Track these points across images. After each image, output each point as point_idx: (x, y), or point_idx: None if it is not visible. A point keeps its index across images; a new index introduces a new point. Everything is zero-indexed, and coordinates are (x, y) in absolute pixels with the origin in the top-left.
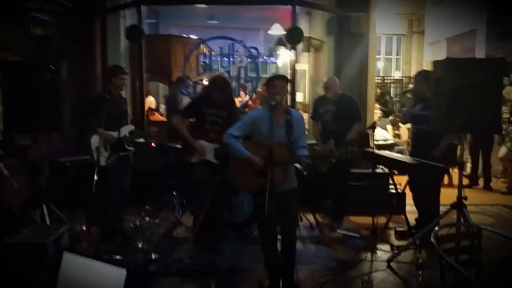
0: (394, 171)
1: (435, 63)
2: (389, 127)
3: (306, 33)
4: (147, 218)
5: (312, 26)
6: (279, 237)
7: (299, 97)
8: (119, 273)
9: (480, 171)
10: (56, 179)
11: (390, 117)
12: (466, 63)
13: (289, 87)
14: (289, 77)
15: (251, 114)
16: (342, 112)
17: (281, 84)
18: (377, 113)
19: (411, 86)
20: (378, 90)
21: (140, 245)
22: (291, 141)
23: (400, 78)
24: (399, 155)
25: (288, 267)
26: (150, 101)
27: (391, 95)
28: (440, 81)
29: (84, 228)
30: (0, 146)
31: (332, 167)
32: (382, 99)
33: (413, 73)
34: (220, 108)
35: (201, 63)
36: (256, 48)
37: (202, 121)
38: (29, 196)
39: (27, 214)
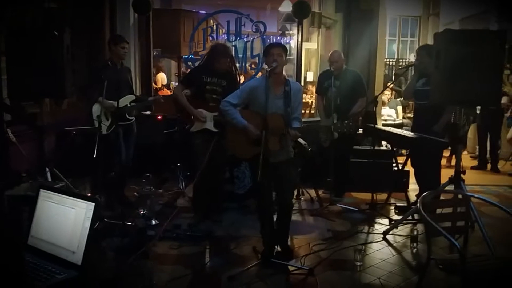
0: (399, 149)
1: (435, 35)
2: (399, 108)
3: (316, 10)
4: (149, 186)
5: (324, 4)
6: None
7: (310, 76)
8: (89, 205)
9: (488, 154)
10: (62, 147)
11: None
12: (466, 35)
13: (295, 61)
14: (297, 54)
15: (249, 83)
16: (346, 86)
17: (277, 51)
18: (387, 93)
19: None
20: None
21: (141, 212)
22: (288, 112)
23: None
24: (400, 129)
25: (282, 234)
26: (162, 78)
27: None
28: (440, 53)
29: (88, 195)
30: (9, 113)
31: (334, 142)
32: (396, 80)
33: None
34: (219, 76)
35: (209, 37)
36: (263, 23)
37: (201, 90)
38: (36, 162)
39: (34, 179)
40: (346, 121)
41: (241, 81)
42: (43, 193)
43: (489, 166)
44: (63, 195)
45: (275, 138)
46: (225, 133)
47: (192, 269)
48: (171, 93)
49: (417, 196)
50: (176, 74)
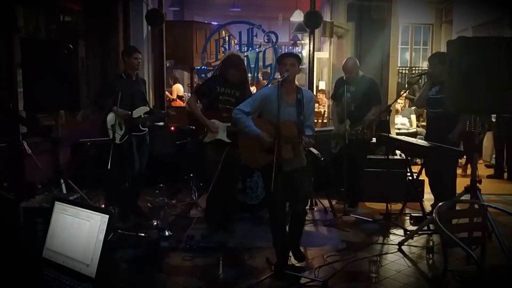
0: (414, 158)
1: (449, 42)
2: (413, 116)
3: (328, 19)
4: (162, 197)
5: (335, 13)
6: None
7: (322, 85)
8: (103, 218)
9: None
10: (76, 159)
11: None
12: (480, 42)
13: (307, 71)
14: (309, 63)
15: (262, 92)
16: (361, 93)
17: (290, 61)
18: (400, 102)
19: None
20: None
21: (155, 223)
22: (300, 120)
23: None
24: (414, 139)
25: (294, 242)
26: (178, 89)
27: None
28: (454, 61)
29: (102, 206)
30: (24, 125)
31: (345, 149)
32: (410, 88)
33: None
34: (233, 87)
35: (221, 48)
36: (274, 33)
37: (215, 100)
38: (51, 174)
39: (49, 190)
40: (359, 128)
41: (253, 91)
42: (58, 205)
43: (505, 175)
44: (78, 207)
45: (288, 146)
46: (237, 142)
47: (206, 280)
48: (184, 104)
49: (432, 206)
50: (189, 85)
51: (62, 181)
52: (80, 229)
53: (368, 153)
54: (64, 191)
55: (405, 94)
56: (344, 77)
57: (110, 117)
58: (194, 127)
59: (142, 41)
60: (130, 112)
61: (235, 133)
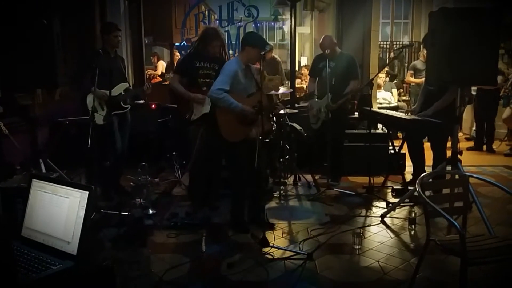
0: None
1: (430, 14)
2: (394, 91)
3: None
4: (145, 176)
5: None
6: None
7: (304, 61)
8: (83, 194)
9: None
10: (55, 138)
11: (395, 81)
12: (461, 13)
13: (289, 46)
14: (291, 38)
15: (231, 67)
16: (340, 68)
17: None
18: (381, 76)
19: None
20: (392, 55)
21: (138, 201)
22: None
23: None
24: (395, 112)
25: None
26: (163, 65)
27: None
28: (436, 32)
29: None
30: (0, 105)
31: (326, 125)
32: (390, 64)
33: (422, 37)
34: (212, 60)
35: (201, 23)
36: (255, 7)
37: (194, 75)
38: (30, 154)
39: (28, 171)
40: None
41: None
42: (36, 183)
43: (484, 147)
44: (56, 184)
45: (267, 117)
46: (215, 119)
47: (190, 257)
48: (162, 80)
49: (413, 175)
50: (169, 62)
51: (41, 161)
52: (59, 206)
53: (348, 127)
54: (44, 171)
55: (386, 69)
56: (326, 51)
57: (90, 99)
58: (177, 107)
59: (119, 16)
60: (108, 93)
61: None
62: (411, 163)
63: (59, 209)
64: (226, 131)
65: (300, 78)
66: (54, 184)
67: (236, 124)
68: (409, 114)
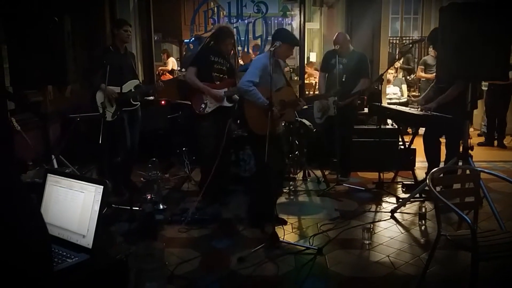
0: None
1: (441, 9)
2: (404, 86)
3: None
4: (155, 171)
5: None
6: None
7: (313, 56)
8: (98, 188)
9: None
10: (67, 134)
11: (413, 75)
12: (472, 8)
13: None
14: (300, 34)
15: (262, 61)
16: (351, 65)
17: None
18: (391, 72)
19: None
20: (398, 50)
21: (149, 197)
22: (290, 85)
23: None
24: (405, 107)
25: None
26: (173, 62)
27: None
28: (446, 28)
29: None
30: (12, 101)
31: (336, 120)
32: (404, 58)
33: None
34: (224, 57)
35: (210, 19)
36: (264, 3)
37: (209, 69)
38: (42, 150)
39: (40, 167)
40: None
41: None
42: (51, 178)
43: (495, 142)
44: (71, 179)
45: (291, 110)
46: (242, 111)
47: (201, 251)
48: (173, 78)
49: (426, 173)
50: (178, 59)
51: (53, 156)
52: (74, 201)
53: (357, 123)
54: (56, 167)
55: (398, 64)
56: (336, 46)
57: (99, 95)
58: (190, 102)
59: (128, 13)
60: (119, 89)
61: (234, 98)
62: (421, 159)
63: (74, 203)
64: (253, 124)
65: (308, 74)
66: (69, 179)
67: (262, 117)
68: (416, 104)
